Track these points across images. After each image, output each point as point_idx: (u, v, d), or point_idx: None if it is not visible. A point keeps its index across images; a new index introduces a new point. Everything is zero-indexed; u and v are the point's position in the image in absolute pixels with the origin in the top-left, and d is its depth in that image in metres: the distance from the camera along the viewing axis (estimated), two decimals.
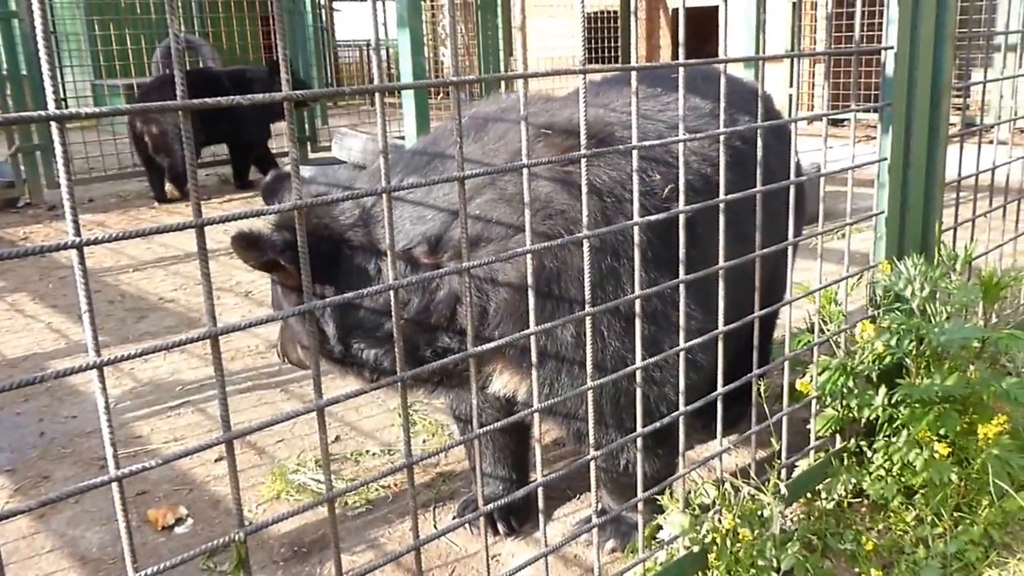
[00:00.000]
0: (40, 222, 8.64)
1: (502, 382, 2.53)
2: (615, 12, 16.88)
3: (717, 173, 2.41)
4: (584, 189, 1.97)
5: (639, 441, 2.34)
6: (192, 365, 4.65)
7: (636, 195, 2.10)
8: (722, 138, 2.34)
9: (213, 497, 3.29)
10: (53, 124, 1.26)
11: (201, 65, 12.57)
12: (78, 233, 1.28)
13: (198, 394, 4.26)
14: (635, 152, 2.09)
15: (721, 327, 2.42)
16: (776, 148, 2.90)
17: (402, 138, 4.93)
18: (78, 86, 12.70)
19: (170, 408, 4.12)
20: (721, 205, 2.32)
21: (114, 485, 1.38)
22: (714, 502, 2.54)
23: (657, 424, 2.31)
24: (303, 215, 1.52)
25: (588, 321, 2.08)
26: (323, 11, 14.90)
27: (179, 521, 3.12)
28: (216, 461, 3.55)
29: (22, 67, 9.22)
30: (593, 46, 16.39)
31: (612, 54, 16.43)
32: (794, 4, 11.30)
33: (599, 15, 16.72)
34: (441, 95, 14.97)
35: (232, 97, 1.42)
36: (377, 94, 1.64)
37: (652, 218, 2.15)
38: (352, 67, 22.28)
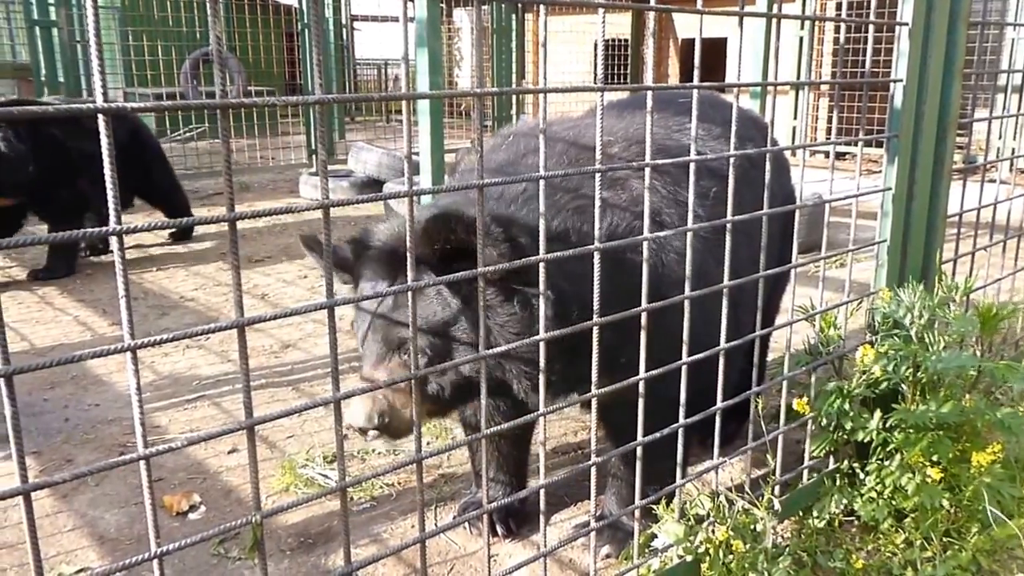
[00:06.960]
0: None
1: None
2: (625, 40, 17.12)
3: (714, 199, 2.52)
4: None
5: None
6: (209, 361, 4.77)
7: (647, 211, 2.19)
8: (731, 160, 2.42)
9: (225, 487, 3.39)
10: (100, 117, 1.37)
11: (228, 78, 12.68)
12: (119, 221, 1.38)
13: (213, 389, 4.38)
14: (647, 170, 2.18)
15: (723, 344, 2.50)
16: (775, 175, 2.97)
17: (416, 154, 5.03)
18: (110, 93, 12.91)
19: (187, 401, 4.24)
20: (728, 225, 2.41)
21: (142, 463, 1.47)
22: (709, 514, 2.61)
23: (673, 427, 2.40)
24: (328, 213, 1.62)
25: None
26: (344, 30, 15.15)
27: (192, 508, 3.23)
28: (229, 453, 3.66)
29: (59, 74, 9.47)
30: (604, 72, 16.69)
31: (621, 81, 16.62)
32: (801, 38, 11.44)
33: (609, 43, 16.91)
34: (456, 115, 15.27)
35: (268, 99, 1.52)
36: (404, 102, 1.75)
37: (661, 233, 2.26)
38: (370, 84, 22.62)
